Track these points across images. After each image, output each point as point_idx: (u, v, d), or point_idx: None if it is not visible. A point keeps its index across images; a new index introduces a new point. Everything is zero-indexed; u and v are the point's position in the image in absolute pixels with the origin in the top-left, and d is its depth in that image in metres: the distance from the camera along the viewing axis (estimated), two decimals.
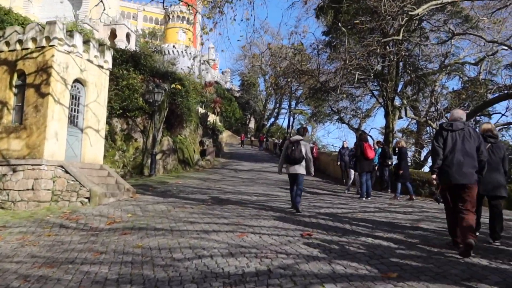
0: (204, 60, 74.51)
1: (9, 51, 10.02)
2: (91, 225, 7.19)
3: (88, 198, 9.05)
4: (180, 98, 18.56)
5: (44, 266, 4.78)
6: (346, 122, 28.29)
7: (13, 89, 9.97)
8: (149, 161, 16.36)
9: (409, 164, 21.60)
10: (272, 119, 56.00)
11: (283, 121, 62.74)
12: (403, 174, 11.59)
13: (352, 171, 12.99)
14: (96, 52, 10.91)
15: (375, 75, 19.06)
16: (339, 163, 16.27)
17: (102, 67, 11.26)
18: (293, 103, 54.26)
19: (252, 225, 6.57)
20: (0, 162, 9.44)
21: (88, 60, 10.70)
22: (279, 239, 5.47)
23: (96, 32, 32.95)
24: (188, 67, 56.95)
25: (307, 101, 33.91)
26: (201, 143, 25.93)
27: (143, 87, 17.15)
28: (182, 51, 67.12)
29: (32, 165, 9.20)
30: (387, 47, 18.49)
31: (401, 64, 21.22)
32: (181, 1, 13.52)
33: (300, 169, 8.47)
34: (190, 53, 67.35)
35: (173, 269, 4.34)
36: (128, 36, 36.47)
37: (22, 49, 9.87)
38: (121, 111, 16.13)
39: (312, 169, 8.85)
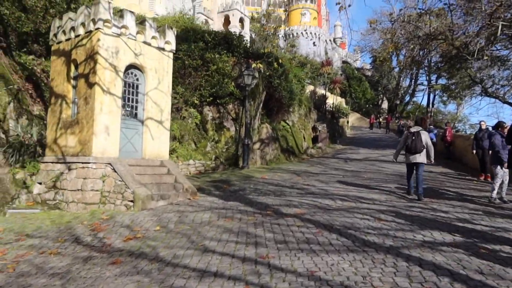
0: (329, 39, 70.76)
1: (66, 40, 9.38)
2: (106, 241, 5.79)
3: (133, 201, 7.79)
4: (278, 80, 16.49)
5: None
6: (496, 94, 22.01)
7: (71, 81, 9.31)
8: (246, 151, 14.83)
9: None
10: (408, 98, 49.50)
11: (421, 99, 55.18)
12: None
13: (500, 169, 8.34)
14: (154, 32, 9.59)
15: None
16: (475, 151, 12.12)
17: (163, 49, 9.91)
18: (434, 77, 46.86)
19: (282, 266, 4.19)
20: (59, 160, 8.90)
21: (145, 43, 9.44)
22: None
23: (210, 21, 33.32)
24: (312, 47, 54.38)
25: (438, 71, 28.14)
26: (314, 128, 23.53)
27: (236, 71, 15.64)
28: (302, 32, 64.63)
29: (82, 163, 8.35)
30: None
31: None
32: None
33: (421, 158, 8.77)
34: (311, 33, 64.38)
35: None
36: (241, 20, 35.86)
37: (75, 37, 9.11)
38: (211, 98, 14.94)
39: (433, 157, 9.04)
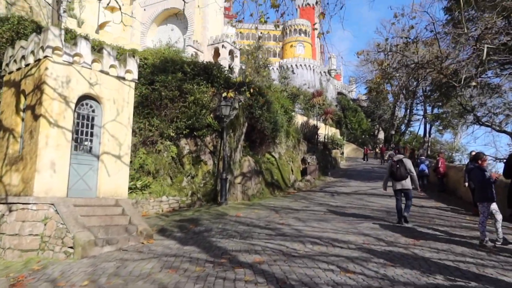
0: (323, 71, 71.26)
1: (17, 70, 8.74)
2: None
3: (73, 248, 6.83)
4: (259, 111, 15.79)
5: None
6: (490, 123, 21.21)
7: (21, 113, 8.59)
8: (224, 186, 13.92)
9: None
10: (403, 128, 48.91)
11: (418, 129, 54.51)
12: None
13: (483, 206, 7.45)
14: (113, 61, 8.94)
15: None
16: (467, 184, 11.24)
17: (123, 78, 9.23)
18: (429, 107, 46.37)
19: None
20: (1, 200, 8.01)
21: (102, 72, 8.76)
22: None
23: (200, 53, 33.17)
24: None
25: (429, 100, 27.61)
26: (303, 160, 22.68)
27: (215, 102, 14.98)
28: (296, 64, 65.13)
29: (23, 203, 7.47)
30: None
31: None
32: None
33: (407, 183, 9.43)
34: (305, 65, 64.83)
35: None
36: (232, 53, 35.80)
37: (25, 66, 8.45)
38: (188, 130, 14.19)
39: (417, 183, 9.80)
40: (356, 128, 57.75)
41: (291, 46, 74.03)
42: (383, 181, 10.61)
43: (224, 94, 11.56)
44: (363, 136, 56.15)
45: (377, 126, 56.76)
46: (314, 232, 8.22)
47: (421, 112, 46.32)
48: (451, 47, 16.88)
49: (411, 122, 46.10)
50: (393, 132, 45.23)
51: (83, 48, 8.39)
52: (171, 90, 14.21)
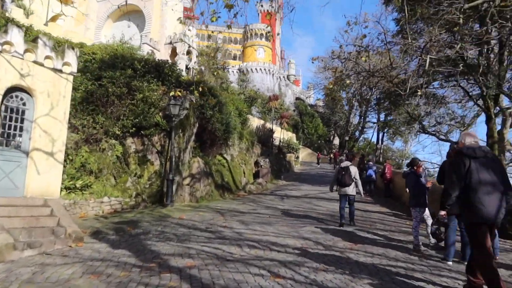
0: (282, 76, 72.06)
1: None
2: None
3: None
4: (210, 111, 15.54)
5: None
6: (435, 132, 22.23)
7: None
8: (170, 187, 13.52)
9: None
10: (357, 134, 50.29)
11: (372, 136, 56.40)
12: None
13: (428, 212, 7.88)
14: (48, 52, 8.39)
15: (467, 65, 13.91)
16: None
17: (60, 71, 8.69)
18: (383, 115, 47.97)
19: None
20: None
21: (36, 62, 8.20)
22: None
23: (157, 52, 32.42)
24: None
25: (379, 107, 28.60)
26: (256, 163, 22.64)
27: (165, 101, 14.55)
28: (256, 68, 65.46)
29: None
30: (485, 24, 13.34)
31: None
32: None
33: (351, 190, 9.86)
34: (265, 69, 65.31)
35: None
36: (189, 53, 35.34)
37: None
38: (134, 129, 13.67)
39: (361, 189, 10.37)
40: (312, 133, 58.73)
41: (252, 49, 74.34)
42: (330, 184, 10.97)
43: (172, 93, 11.26)
44: (319, 141, 57.23)
45: (333, 132, 58.02)
46: (255, 235, 8.09)
47: (375, 120, 47.93)
48: (400, 57, 17.50)
49: (365, 129, 47.50)
50: (347, 138, 46.38)
51: (15, 36, 7.79)
52: (119, 87, 13.64)
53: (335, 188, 10.44)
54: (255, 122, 32.84)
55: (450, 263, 6.28)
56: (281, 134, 36.88)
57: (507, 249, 8.13)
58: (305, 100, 76.95)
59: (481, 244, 4.14)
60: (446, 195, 4.45)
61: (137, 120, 13.48)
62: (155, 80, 14.77)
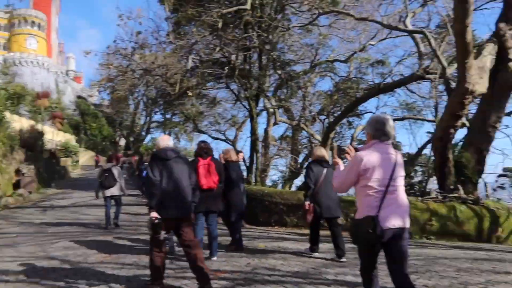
0: (60, 72, 64.79)
1: None
2: None
3: None
4: None
5: None
6: (207, 130, 23.68)
7: None
8: None
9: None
10: (144, 134, 49.33)
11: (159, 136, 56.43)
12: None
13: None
14: None
15: (231, 68, 15.03)
16: None
17: None
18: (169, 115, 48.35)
19: None
20: None
21: None
22: None
23: None
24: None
25: (154, 106, 29.03)
26: (18, 172, 19.08)
27: None
28: (26, 60, 56.93)
29: None
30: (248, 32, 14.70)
31: (265, 58, 17.70)
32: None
33: (117, 191, 10.01)
34: (38, 62, 57.45)
35: None
36: None
37: None
38: None
39: (125, 191, 10.49)
40: (96, 135, 54.59)
41: (22, 38, 63.78)
42: (95, 189, 10.68)
43: None
44: (104, 143, 53.66)
45: (119, 132, 55.38)
46: None
47: (162, 119, 47.96)
48: (175, 57, 17.67)
49: (151, 130, 47.01)
50: (132, 139, 44.96)
51: None
52: None
53: (100, 193, 10.28)
54: (22, 123, 28.22)
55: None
56: (55, 136, 32.63)
57: (260, 236, 8.95)
58: (88, 99, 71.02)
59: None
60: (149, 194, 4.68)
61: None
62: None
